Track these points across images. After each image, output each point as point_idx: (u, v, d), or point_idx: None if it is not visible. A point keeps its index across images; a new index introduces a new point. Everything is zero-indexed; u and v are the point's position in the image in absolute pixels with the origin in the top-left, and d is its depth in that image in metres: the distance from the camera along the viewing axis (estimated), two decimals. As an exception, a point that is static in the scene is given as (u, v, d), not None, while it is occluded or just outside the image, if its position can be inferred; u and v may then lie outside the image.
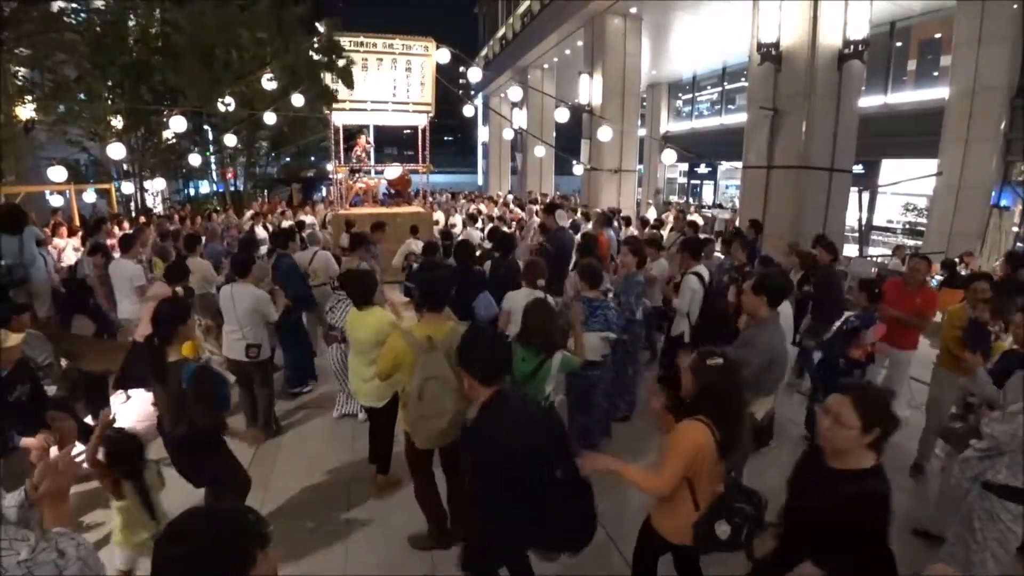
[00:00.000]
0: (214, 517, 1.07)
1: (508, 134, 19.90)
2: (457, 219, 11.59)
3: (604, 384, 3.91)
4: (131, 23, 10.70)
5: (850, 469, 1.68)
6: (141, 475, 2.55)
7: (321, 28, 8.77)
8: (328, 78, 9.40)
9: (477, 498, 2.09)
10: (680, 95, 22.69)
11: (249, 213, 11.50)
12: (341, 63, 8.41)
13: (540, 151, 17.51)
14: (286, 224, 9.08)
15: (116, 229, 7.94)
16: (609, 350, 3.75)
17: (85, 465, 2.38)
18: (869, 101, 12.41)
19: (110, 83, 11.37)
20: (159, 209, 13.92)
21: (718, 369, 2.08)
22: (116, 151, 8.82)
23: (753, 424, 2.96)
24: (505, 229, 8.42)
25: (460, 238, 7.43)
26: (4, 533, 1.43)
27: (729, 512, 1.99)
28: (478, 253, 5.65)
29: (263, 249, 7.34)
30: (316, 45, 8.32)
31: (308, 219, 11.29)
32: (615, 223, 8.80)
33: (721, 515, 1.99)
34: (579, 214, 10.21)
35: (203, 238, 6.93)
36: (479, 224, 10.35)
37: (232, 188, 17.07)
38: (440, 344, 2.49)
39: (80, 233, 7.88)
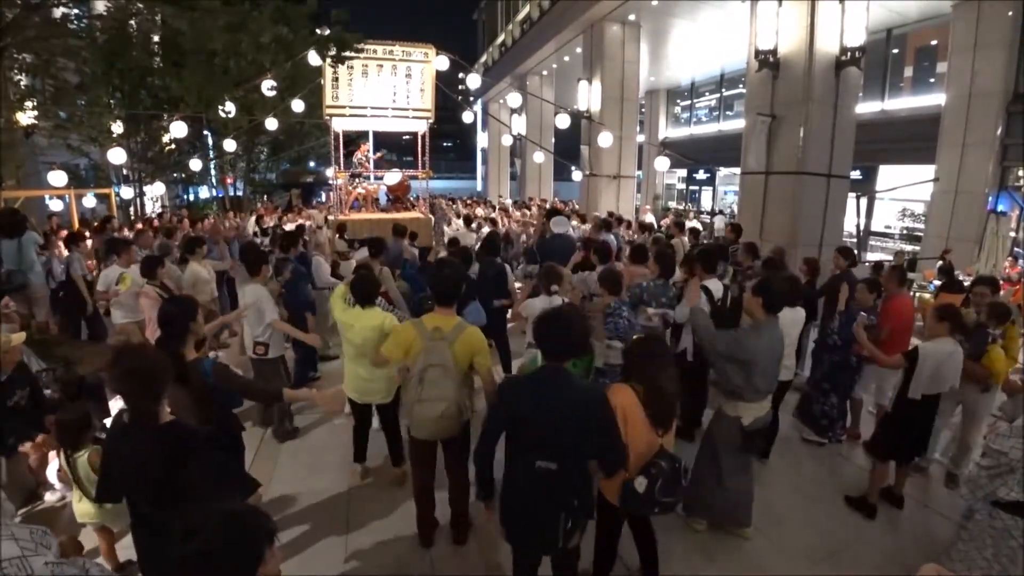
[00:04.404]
0: (227, 515, 1.08)
1: (507, 140, 19.97)
2: (455, 224, 11.61)
3: None
4: (132, 28, 10.73)
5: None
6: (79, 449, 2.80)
7: (321, 33, 8.78)
8: (329, 76, 9.43)
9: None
10: (678, 101, 22.80)
11: (253, 218, 11.57)
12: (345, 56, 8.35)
13: (539, 157, 17.58)
14: (290, 227, 9.12)
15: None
16: (619, 360, 3.50)
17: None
18: (866, 107, 12.50)
19: (111, 88, 11.40)
20: (155, 212, 13.91)
21: (639, 342, 2.46)
22: (116, 156, 8.83)
23: (740, 429, 2.96)
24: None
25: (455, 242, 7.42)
26: (32, 537, 1.49)
27: (647, 467, 2.25)
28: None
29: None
30: (324, 36, 8.26)
31: (308, 224, 11.34)
32: (618, 228, 8.78)
33: (641, 472, 2.25)
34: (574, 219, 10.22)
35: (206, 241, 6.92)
36: (473, 227, 10.38)
37: (231, 193, 17.11)
38: (446, 336, 2.62)
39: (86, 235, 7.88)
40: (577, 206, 15.81)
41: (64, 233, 7.72)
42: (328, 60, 8.31)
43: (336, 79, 9.71)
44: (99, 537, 2.84)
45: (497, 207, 16.34)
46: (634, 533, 2.60)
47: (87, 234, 7.91)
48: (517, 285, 5.51)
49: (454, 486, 3.02)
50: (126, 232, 8.44)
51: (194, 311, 2.64)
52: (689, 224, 9.96)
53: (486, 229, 9.71)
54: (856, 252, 11.00)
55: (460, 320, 2.74)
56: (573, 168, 12.91)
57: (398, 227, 6.86)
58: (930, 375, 3.24)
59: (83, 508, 2.78)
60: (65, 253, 6.38)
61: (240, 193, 17.33)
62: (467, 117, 12.26)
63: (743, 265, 5.62)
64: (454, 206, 16.96)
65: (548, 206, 14.13)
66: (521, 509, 2.20)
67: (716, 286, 4.31)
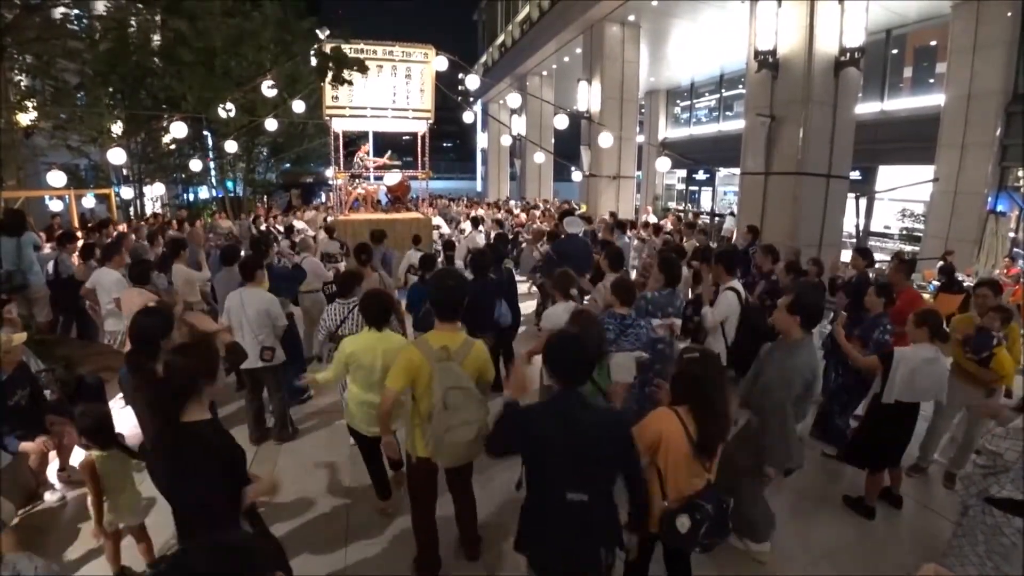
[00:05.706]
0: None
1: (507, 140, 19.98)
2: (465, 226, 11.57)
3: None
4: (132, 29, 10.73)
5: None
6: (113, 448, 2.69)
7: (322, 35, 8.78)
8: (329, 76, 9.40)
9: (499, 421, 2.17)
10: (678, 102, 22.80)
11: (251, 217, 11.62)
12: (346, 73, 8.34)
13: (539, 157, 17.57)
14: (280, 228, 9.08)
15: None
16: (635, 373, 3.26)
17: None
18: (866, 108, 12.50)
19: (111, 89, 11.41)
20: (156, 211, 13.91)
21: (693, 361, 2.22)
22: (116, 156, 8.84)
23: None
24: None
25: (462, 244, 7.37)
26: None
27: (692, 508, 2.12)
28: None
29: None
30: (322, 51, 8.27)
31: (299, 224, 11.34)
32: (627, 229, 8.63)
33: (685, 509, 2.12)
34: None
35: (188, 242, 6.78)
36: (481, 228, 10.34)
37: (231, 193, 17.10)
38: (455, 354, 2.43)
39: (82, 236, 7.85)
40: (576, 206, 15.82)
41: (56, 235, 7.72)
42: (328, 78, 8.26)
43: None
44: (134, 538, 2.79)
45: (502, 207, 16.37)
46: (667, 562, 2.48)
47: (79, 235, 7.89)
48: (524, 288, 5.41)
49: (463, 508, 2.91)
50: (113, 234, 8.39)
51: (169, 325, 2.43)
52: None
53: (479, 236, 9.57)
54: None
55: (467, 337, 2.56)
56: (573, 168, 12.91)
57: (376, 232, 6.59)
58: (904, 380, 3.17)
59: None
60: (48, 250, 6.35)
61: (240, 193, 17.31)
62: (467, 117, 12.26)
63: (761, 268, 5.41)
64: (457, 206, 16.98)
65: (559, 207, 14.02)
66: (556, 545, 2.00)
67: (740, 287, 4.18)
